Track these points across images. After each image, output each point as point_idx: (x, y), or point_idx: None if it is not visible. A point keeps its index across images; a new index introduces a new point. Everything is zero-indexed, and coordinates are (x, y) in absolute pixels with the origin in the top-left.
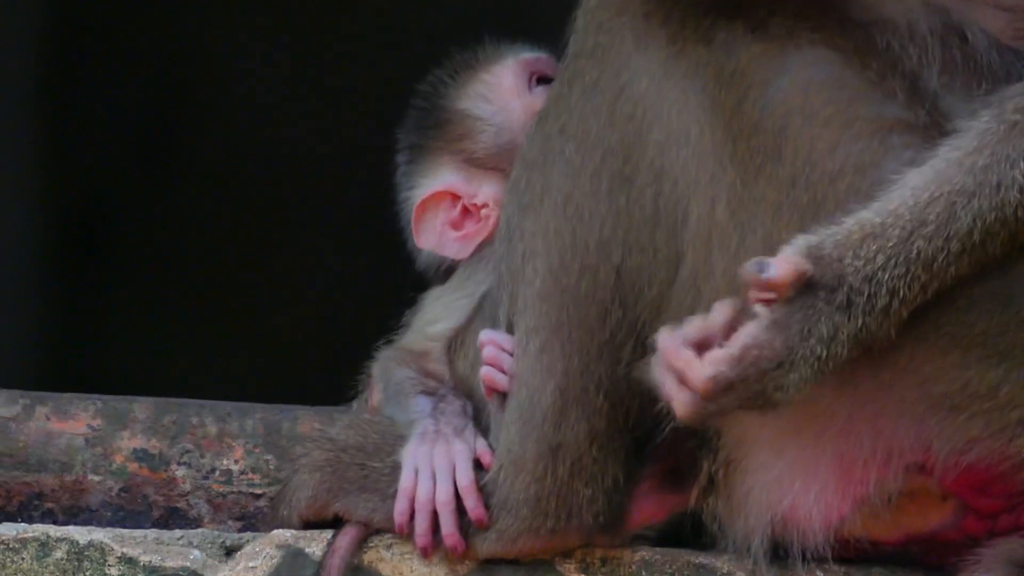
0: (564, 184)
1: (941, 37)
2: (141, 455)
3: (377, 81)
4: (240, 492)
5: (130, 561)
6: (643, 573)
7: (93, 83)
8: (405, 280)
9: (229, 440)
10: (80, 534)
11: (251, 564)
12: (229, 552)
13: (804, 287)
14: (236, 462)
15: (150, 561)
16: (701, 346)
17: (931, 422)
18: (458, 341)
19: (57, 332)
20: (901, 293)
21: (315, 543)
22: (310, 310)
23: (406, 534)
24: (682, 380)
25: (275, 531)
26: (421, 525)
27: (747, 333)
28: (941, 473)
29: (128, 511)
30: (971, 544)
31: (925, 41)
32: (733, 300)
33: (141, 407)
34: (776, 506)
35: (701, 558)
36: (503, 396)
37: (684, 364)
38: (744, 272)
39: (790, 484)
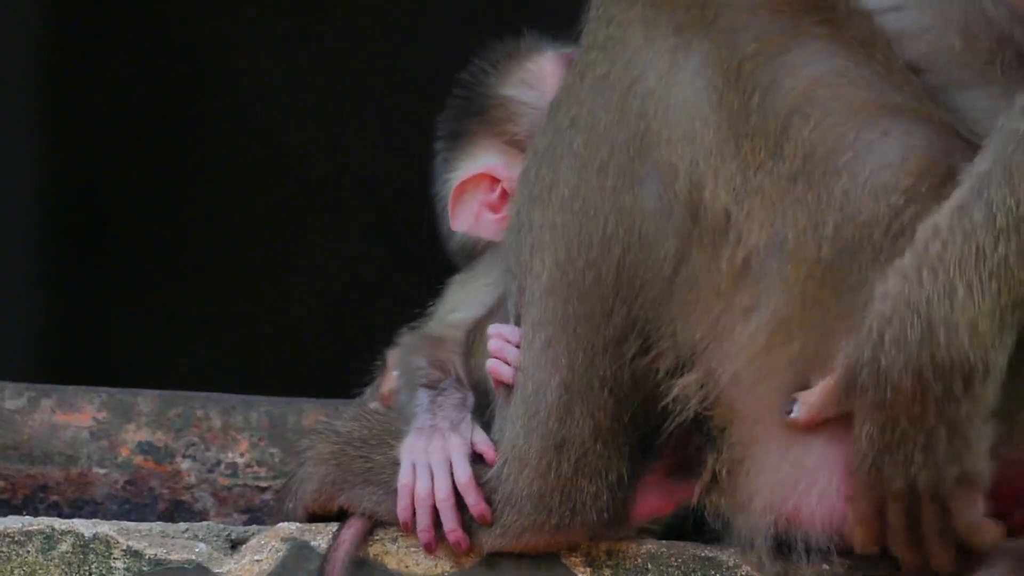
0: (572, 177)
1: (961, 31)
2: (146, 448)
3: (381, 76)
4: (245, 485)
5: (135, 554)
6: (649, 566)
7: (96, 78)
8: (411, 271)
9: (234, 433)
10: (85, 527)
11: (256, 557)
12: (234, 545)
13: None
14: (241, 455)
15: (155, 554)
16: None
17: None
18: (479, 331)
19: (60, 325)
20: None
21: (320, 536)
22: (315, 303)
23: (411, 529)
24: None
25: (280, 524)
26: (423, 521)
27: None
28: None
29: (133, 504)
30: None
31: (939, 34)
32: None
33: (146, 400)
34: (781, 506)
35: (707, 551)
36: (510, 389)
37: None
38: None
39: (795, 485)
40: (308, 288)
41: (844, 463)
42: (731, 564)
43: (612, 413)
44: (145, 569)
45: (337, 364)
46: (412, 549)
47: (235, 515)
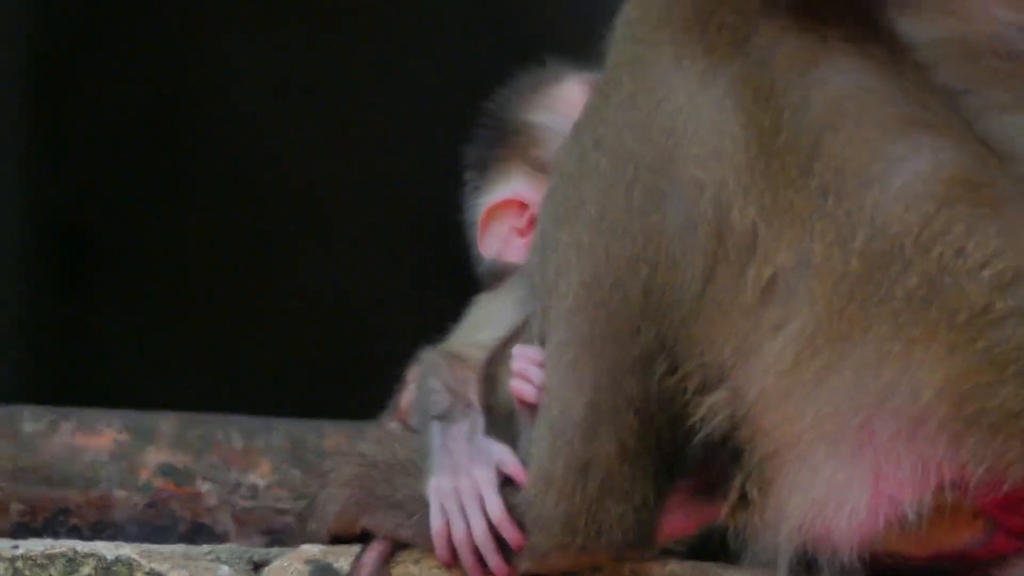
0: (597, 197)
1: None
2: (167, 470)
3: (371, 91)
4: (266, 507)
5: None
6: None
7: (83, 94)
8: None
9: (255, 455)
10: (108, 549)
11: None
12: (257, 567)
13: None
14: (262, 477)
15: None
16: None
17: (968, 441)
18: (504, 351)
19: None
20: None
21: (343, 558)
22: (308, 323)
23: (452, 567)
24: None
25: (303, 546)
26: (467, 562)
27: None
28: (975, 492)
29: (154, 526)
30: (1001, 561)
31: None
32: None
33: (166, 422)
34: (809, 524)
35: (731, 572)
36: (534, 409)
37: None
38: None
39: (825, 503)
40: (302, 308)
41: (876, 478)
42: None
43: (638, 434)
44: None
45: (331, 384)
46: (435, 571)
47: (255, 537)
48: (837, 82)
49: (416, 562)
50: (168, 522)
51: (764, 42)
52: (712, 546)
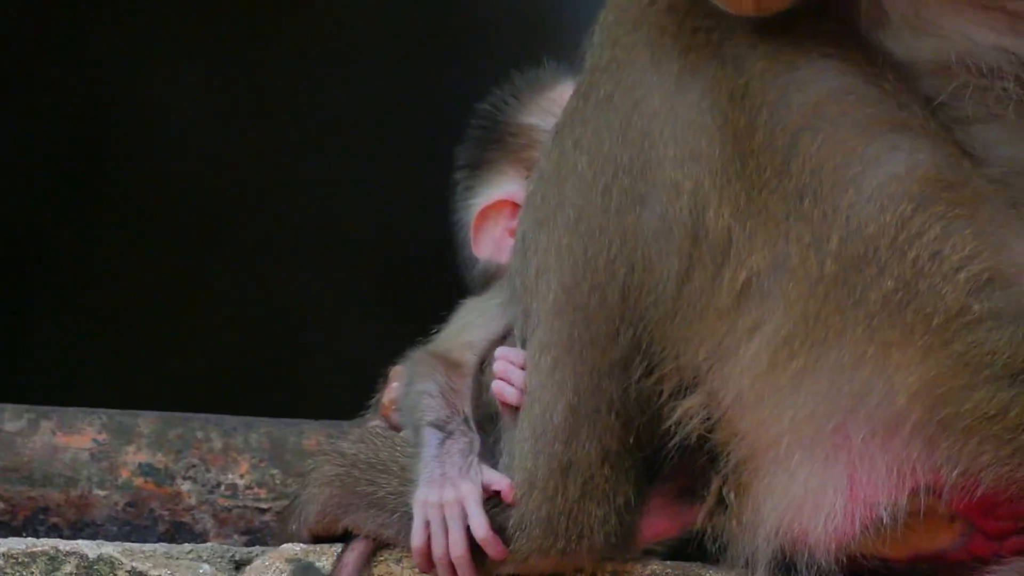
0: (577, 199)
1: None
2: (147, 469)
3: (303, 103)
4: (246, 506)
5: (139, 575)
6: None
7: (19, 106)
8: (340, 295)
9: (235, 454)
10: (89, 548)
11: None
12: (238, 566)
13: None
14: (242, 476)
15: (159, 575)
16: None
17: (942, 445)
18: (491, 353)
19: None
20: None
21: (325, 557)
22: (227, 332)
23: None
24: None
25: (284, 545)
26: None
27: None
28: (949, 495)
29: (134, 526)
30: (979, 564)
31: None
32: None
33: (146, 421)
34: (786, 527)
35: (711, 572)
36: (516, 411)
37: None
38: None
39: (801, 506)
40: (230, 313)
41: (850, 482)
42: None
43: (619, 436)
44: None
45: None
46: (416, 571)
47: (235, 536)
48: (816, 84)
49: (398, 561)
50: (148, 521)
51: (740, 45)
52: (693, 547)
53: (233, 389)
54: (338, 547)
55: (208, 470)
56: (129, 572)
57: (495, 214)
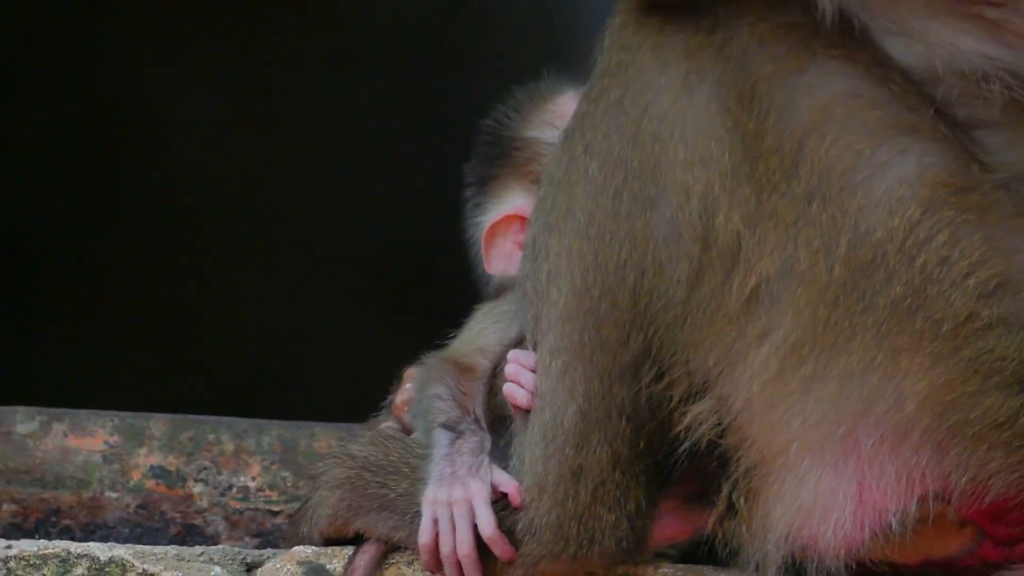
0: (587, 204)
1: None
2: (158, 472)
3: (315, 108)
4: (257, 509)
5: None
6: None
7: (24, 109)
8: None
9: (246, 457)
10: (101, 550)
11: None
12: (250, 568)
13: None
14: (253, 479)
15: None
16: None
17: (951, 451)
18: (504, 358)
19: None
20: None
21: (336, 559)
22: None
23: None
24: None
25: (296, 547)
26: (450, 574)
27: None
28: (959, 501)
29: (145, 528)
30: (990, 570)
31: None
32: None
33: (158, 424)
34: (796, 533)
35: (723, 574)
36: (527, 414)
37: None
38: None
39: (810, 512)
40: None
41: (859, 487)
42: None
43: (629, 441)
44: None
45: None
46: (428, 573)
47: (247, 539)
48: (824, 86)
49: (409, 563)
50: (159, 524)
51: (745, 44)
52: (703, 551)
53: (245, 391)
54: (350, 550)
55: (220, 472)
56: (140, 574)
57: (504, 230)
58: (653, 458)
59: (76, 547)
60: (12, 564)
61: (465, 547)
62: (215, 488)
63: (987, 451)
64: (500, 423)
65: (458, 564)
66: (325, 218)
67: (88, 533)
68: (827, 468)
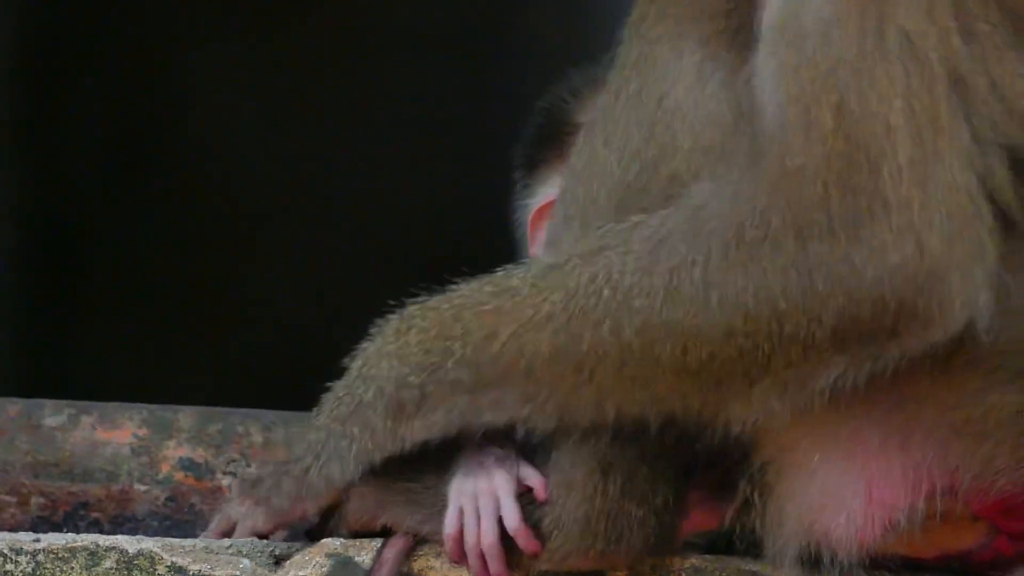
0: (603, 197)
1: None
2: (187, 464)
3: (348, 102)
4: None
5: (180, 570)
6: None
7: (66, 101)
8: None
9: (275, 449)
10: (129, 543)
11: (300, 573)
12: (278, 561)
13: None
14: None
15: (199, 570)
16: None
17: (956, 449)
18: None
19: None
20: None
21: (365, 552)
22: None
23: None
24: None
25: (324, 540)
26: (475, 568)
27: None
28: (967, 497)
29: (174, 520)
30: (1009, 563)
31: None
32: None
33: (186, 416)
34: (809, 529)
35: (752, 566)
36: None
37: None
38: None
39: (821, 508)
40: (269, 309)
41: (869, 484)
42: None
43: (657, 436)
44: None
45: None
46: (456, 565)
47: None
48: None
49: (437, 555)
50: (188, 516)
51: (759, 29)
52: (723, 542)
53: (273, 383)
54: (378, 542)
55: (248, 465)
56: (169, 567)
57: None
58: (680, 453)
59: (105, 540)
60: (41, 557)
61: (489, 537)
62: None
63: (992, 447)
64: None
65: (482, 555)
66: (358, 211)
67: (117, 526)
68: (835, 465)
